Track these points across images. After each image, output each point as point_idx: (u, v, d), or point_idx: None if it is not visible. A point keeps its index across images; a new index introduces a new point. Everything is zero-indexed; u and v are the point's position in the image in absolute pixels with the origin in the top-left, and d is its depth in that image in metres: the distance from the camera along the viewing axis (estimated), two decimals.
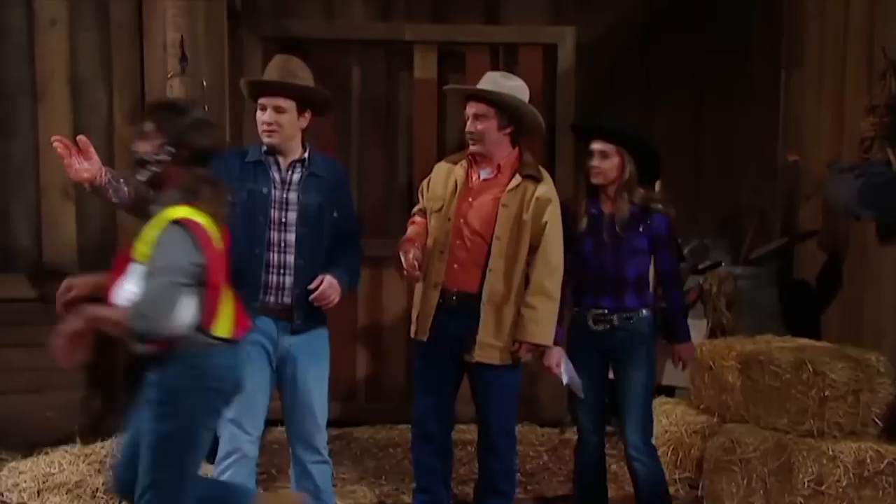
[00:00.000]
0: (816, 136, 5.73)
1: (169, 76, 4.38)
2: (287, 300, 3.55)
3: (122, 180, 3.43)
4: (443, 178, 3.94)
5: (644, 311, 3.88)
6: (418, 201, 4.10)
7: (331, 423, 3.72)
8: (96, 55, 4.48)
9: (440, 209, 3.88)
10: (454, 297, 3.84)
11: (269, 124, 3.53)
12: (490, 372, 3.87)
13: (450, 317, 3.84)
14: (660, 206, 3.88)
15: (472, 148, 3.87)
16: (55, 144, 3.27)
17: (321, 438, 3.70)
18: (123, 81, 4.49)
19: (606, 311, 3.86)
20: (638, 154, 3.82)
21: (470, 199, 3.86)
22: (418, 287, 3.93)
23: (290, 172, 3.59)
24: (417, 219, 4.02)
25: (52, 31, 4.41)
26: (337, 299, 3.59)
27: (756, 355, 4.39)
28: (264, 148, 3.59)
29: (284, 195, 3.55)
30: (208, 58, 4.45)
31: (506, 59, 5.87)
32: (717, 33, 6.38)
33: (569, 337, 3.97)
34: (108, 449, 4.08)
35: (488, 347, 3.84)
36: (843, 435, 4.16)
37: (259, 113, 3.57)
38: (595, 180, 3.84)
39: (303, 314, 3.56)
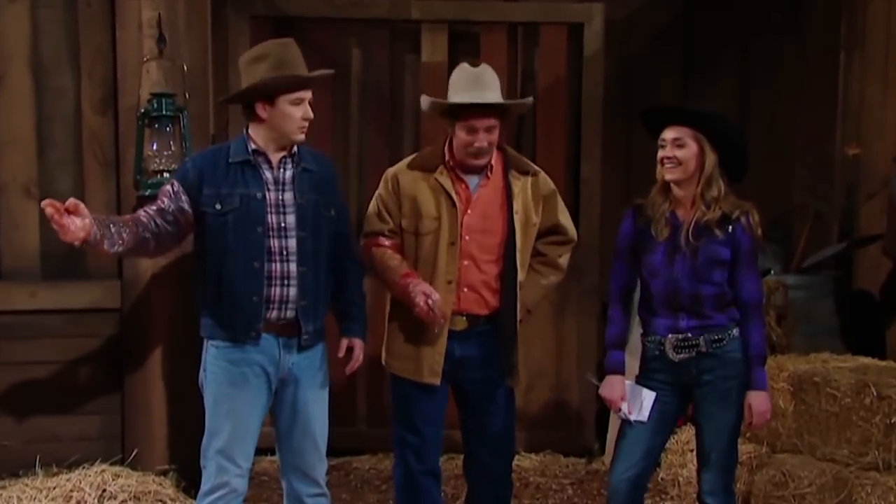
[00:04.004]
0: (880, 126, 5.74)
1: (145, 60, 4.34)
2: (291, 314, 3.50)
3: (112, 227, 3.33)
4: (425, 192, 3.75)
5: (735, 331, 3.57)
6: (379, 216, 3.81)
7: (328, 452, 3.67)
8: (62, 35, 4.43)
9: (434, 230, 3.73)
10: (464, 322, 3.76)
11: (306, 121, 3.49)
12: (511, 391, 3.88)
13: (454, 343, 3.76)
14: (741, 212, 3.52)
15: (477, 161, 3.72)
16: (46, 208, 3.16)
17: (321, 469, 3.65)
18: (93, 65, 4.43)
19: (689, 334, 3.57)
20: (720, 145, 3.52)
21: (469, 213, 3.75)
22: (403, 322, 3.80)
23: (281, 170, 3.53)
24: (385, 241, 3.79)
25: (11, 8, 4.35)
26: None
27: (811, 376, 4.41)
28: (252, 146, 3.51)
29: (280, 196, 3.50)
30: (189, 39, 4.42)
31: (525, 39, 5.83)
32: (765, 13, 6.36)
33: (641, 371, 3.72)
34: (74, 482, 4.03)
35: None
36: None
37: (293, 108, 3.45)
38: (670, 175, 3.53)
39: (311, 328, 3.53)
